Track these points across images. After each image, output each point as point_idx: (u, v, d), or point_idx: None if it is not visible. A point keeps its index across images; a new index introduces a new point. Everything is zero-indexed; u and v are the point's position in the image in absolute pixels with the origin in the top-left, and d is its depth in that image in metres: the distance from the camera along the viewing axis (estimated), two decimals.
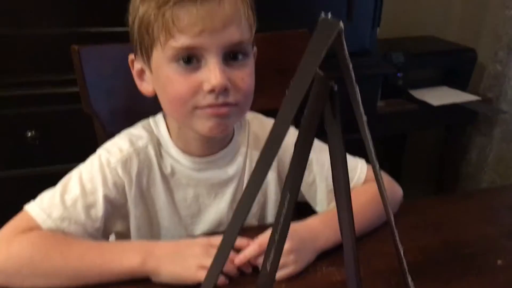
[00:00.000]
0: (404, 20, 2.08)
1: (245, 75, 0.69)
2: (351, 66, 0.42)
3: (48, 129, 1.24)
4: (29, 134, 1.23)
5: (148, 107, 0.81)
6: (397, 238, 0.53)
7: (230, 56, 0.67)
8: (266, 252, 0.51)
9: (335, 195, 0.53)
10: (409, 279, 0.56)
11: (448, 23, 2.21)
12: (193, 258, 0.65)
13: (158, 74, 0.69)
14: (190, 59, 0.66)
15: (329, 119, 0.45)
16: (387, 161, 2.31)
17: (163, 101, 0.72)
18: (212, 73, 0.65)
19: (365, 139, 0.48)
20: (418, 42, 2.04)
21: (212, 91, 0.65)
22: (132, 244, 0.70)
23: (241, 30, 0.66)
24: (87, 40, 1.18)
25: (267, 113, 0.92)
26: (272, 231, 0.50)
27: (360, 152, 0.86)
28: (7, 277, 0.63)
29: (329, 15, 0.41)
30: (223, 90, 0.66)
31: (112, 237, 0.82)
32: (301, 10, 1.36)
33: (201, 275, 0.60)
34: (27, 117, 1.22)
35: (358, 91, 0.44)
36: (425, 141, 2.31)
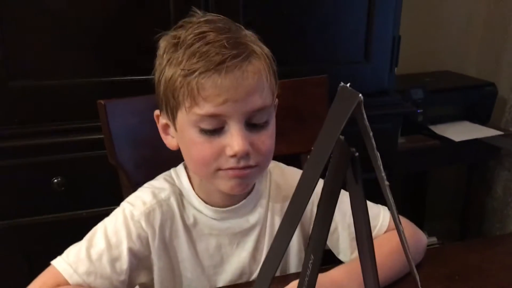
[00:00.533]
0: (422, 55, 2.10)
1: (266, 138, 0.71)
2: (371, 134, 0.43)
3: (73, 176, 1.26)
4: (55, 181, 1.26)
5: (172, 156, 0.83)
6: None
7: (253, 120, 0.69)
8: None
9: (358, 253, 0.54)
10: None
11: (466, 57, 2.21)
12: None
13: (183, 134, 0.71)
14: (214, 128, 0.68)
15: (351, 183, 0.46)
16: (410, 199, 2.29)
17: (187, 159, 0.75)
18: (234, 140, 0.67)
19: (387, 199, 0.48)
20: (436, 77, 2.04)
21: (234, 156, 0.68)
22: None
23: (263, 98, 0.68)
24: (109, 89, 1.23)
25: (287, 157, 0.94)
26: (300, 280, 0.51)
27: (380, 191, 0.86)
28: None
29: (348, 85, 0.43)
30: (245, 155, 0.68)
31: None
32: (322, 51, 1.38)
33: None
34: (52, 165, 1.26)
35: (379, 157, 0.44)
36: (447, 177, 2.28)
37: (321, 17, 1.36)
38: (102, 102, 0.88)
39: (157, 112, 0.76)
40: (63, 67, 1.23)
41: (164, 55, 0.70)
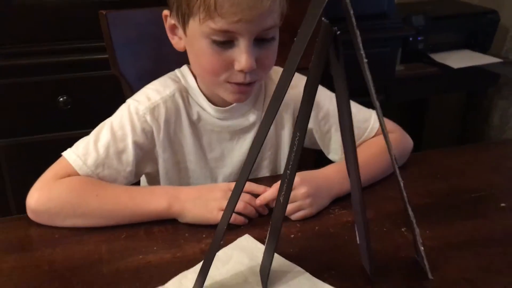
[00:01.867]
0: None
1: (270, 53, 0.75)
2: (351, 11, 0.46)
3: (79, 94, 1.31)
4: (61, 99, 1.30)
5: (173, 68, 0.87)
6: (402, 184, 0.58)
7: (261, 37, 0.72)
8: (280, 185, 0.57)
9: (342, 139, 0.59)
10: (412, 215, 0.61)
11: None
12: (213, 201, 0.71)
13: (192, 42, 0.75)
14: (225, 41, 0.71)
15: (333, 61, 0.50)
16: (410, 124, 2.34)
17: (195, 65, 0.79)
18: (243, 56, 0.71)
19: (367, 81, 0.52)
20: (439, 5, 2.03)
21: (241, 70, 0.72)
22: (159, 189, 0.76)
23: (273, 18, 0.72)
24: (113, 7, 1.25)
25: None
26: (285, 166, 0.56)
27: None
28: (50, 217, 0.71)
29: None
30: (251, 71, 0.72)
31: (143, 178, 0.90)
32: None
33: (221, 216, 0.66)
34: (57, 83, 1.30)
35: (359, 35, 0.48)
36: (447, 104, 2.31)
37: None
38: (104, 12, 0.91)
39: (165, 12, 0.78)
40: None
41: None
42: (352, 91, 0.52)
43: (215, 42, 0.71)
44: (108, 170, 0.75)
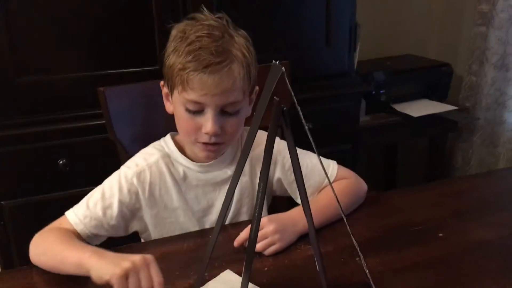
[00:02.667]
0: (385, 41, 2.31)
1: (234, 123, 0.93)
2: (292, 93, 0.63)
3: (77, 157, 1.46)
4: (61, 162, 1.45)
5: (161, 133, 1.04)
6: (346, 223, 0.73)
7: (226, 109, 0.90)
8: (251, 224, 0.72)
9: (298, 190, 0.74)
10: (361, 255, 0.75)
11: (427, 42, 2.43)
12: (122, 263, 0.71)
13: (175, 107, 0.94)
14: (196, 107, 0.89)
15: (285, 128, 0.67)
16: (383, 168, 2.53)
17: (177, 126, 0.96)
18: (208, 122, 0.89)
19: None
20: (398, 60, 2.26)
21: (207, 133, 0.90)
22: (92, 248, 0.81)
23: (235, 95, 0.89)
24: (104, 80, 1.42)
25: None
26: (254, 208, 0.71)
27: (346, 161, 1.06)
28: (34, 259, 0.85)
29: (277, 62, 0.63)
30: (215, 135, 0.90)
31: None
32: (287, 40, 1.59)
33: (119, 270, 0.70)
34: (58, 148, 1.45)
35: (296, 103, 0.65)
36: (414, 149, 2.51)
37: (285, 11, 1.56)
38: (102, 89, 1.08)
39: (162, 82, 0.97)
40: (63, 63, 1.42)
41: (173, 43, 0.90)
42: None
43: (188, 110, 0.90)
44: (94, 221, 0.91)
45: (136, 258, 0.72)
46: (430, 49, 2.43)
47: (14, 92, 1.40)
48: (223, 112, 0.90)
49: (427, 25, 2.41)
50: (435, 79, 2.19)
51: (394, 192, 1.11)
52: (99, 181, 1.40)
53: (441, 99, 2.19)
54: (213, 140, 0.91)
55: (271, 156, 0.68)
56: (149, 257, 0.74)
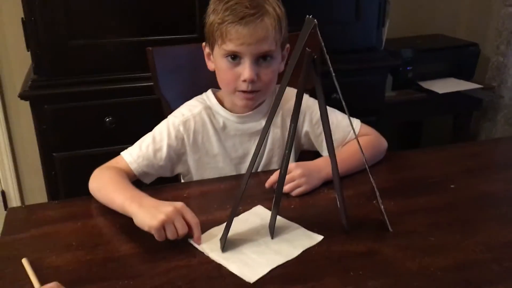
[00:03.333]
0: (415, 20, 2.37)
1: (268, 72, 1.04)
2: (322, 43, 0.74)
3: (122, 116, 1.60)
4: (107, 119, 1.59)
5: (202, 91, 1.16)
6: (369, 173, 0.84)
7: (260, 58, 1.01)
8: (280, 165, 0.83)
9: (326, 142, 0.84)
10: (377, 193, 0.86)
11: (456, 22, 2.48)
12: (161, 214, 0.80)
13: (216, 62, 1.06)
14: (234, 57, 1.01)
15: (314, 77, 0.77)
16: (407, 143, 2.60)
17: (218, 79, 1.08)
18: (246, 70, 1.00)
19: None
20: (427, 39, 2.31)
21: (244, 81, 1.01)
22: (133, 193, 0.90)
23: (268, 44, 1.00)
24: (149, 45, 1.54)
25: None
26: (284, 149, 0.82)
27: None
28: (93, 193, 0.97)
29: (311, 17, 0.73)
30: (252, 81, 1.01)
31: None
32: (318, 13, 1.66)
33: (159, 226, 0.79)
34: (105, 107, 1.59)
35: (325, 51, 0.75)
36: (439, 127, 2.57)
37: None
38: (150, 48, 1.20)
39: (203, 43, 1.09)
40: (112, 29, 1.55)
41: (212, 5, 1.02)
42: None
43: (228, 61, 1.02)
44: (146, 161, 1.04)
45: (169, 209, 0.81)
46: (460, 29, 2.47)
47: (67, 54, 1.54)
48: (258, 62, 1.01)
49: (457, 6, 2.45)
50: (462, 58, 2.24)
51: (413, 150, 1.21)
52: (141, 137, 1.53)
53: (468, 78, 2.24)
54: (250, 87, 1.02)
55: (302, 97, 0.79)
56: (180, 205, 0.82)
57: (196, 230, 0.83)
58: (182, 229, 0.81)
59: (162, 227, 0.80)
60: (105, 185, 0.96)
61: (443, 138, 2.52)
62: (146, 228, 0.82)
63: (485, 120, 2.35)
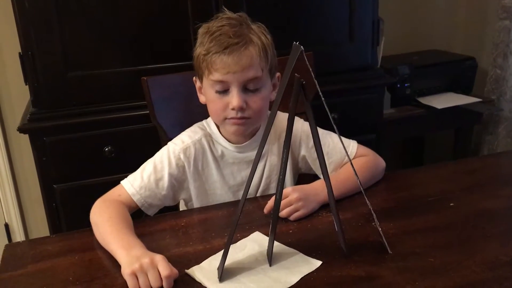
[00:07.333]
0: (410, 37, 2.39)
1: (257, 99, 1.04)
2: (310, 68, 0.74)
3: (120, 145, 1.60)
4: (106, 149, 1.60)
5: (198, 119, 1.16)
6: (365, 196, 0.83)
7: (249, 86, 1.02)
8: (275, 191, 0.83)
9: (320, 167, 0.83)
10: (374, 215, 0.86)
11: (452, 37, 2.49)
12: (135, 263, 0.80)
13: (205, 93, 1.07)
14: (223, 91, 1.02)
15: (305, 102, 0.77)
16: (409, 160, 2.59)
17: (209, 111, 1.09)
18: (234, 98, 1.01)
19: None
20: (423, 55, 2.32)
21: (233, 109, 1.01)
22: (129, 241, 0.87)
23: (254, 71, 1.01)
24: (146, 74, 1.55)
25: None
26: (279, 174, 0.82)
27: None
28: (91, 222, 0.96)
29: (297, 43, 0.74)
30: (240, 109, 1.01)
31: (182, 202, 1.16)
32: (312, 35, 1.69)
33: (128, 271, 0.78)
34: (104, 136, 1.59)
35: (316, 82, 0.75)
36: (441, 142, 2.56)
37: (309, 6, 1.67)
38: (145, 78, 1.21)
39: (194, 78, 1.11)
40: (108, 59, 1.57)
41: (199, 38, 1.04)
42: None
43: (216, 91, 1.02)
44: (148, 192, 1.04)
45: (145, 260, 0.79)
46: (455, 43, 2.48)
47: (65, 86, 1.55)
48: (246, 90, 1.02)
49: (452, 21, 2.47)
50: (459, 73, 2.24)
51: (411, 170, 1.20)
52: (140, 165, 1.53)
53: (466, 92, 2.24)
54: (239, 114, 1.02)
55: (293, 122, 0.79)
56: (157, 258, 0.80)
57: (165, 283, 0.78)
58: (154, 282, 0.78)
59: (135, 275, 0.78)
60: (104, 224, 0.93)
61: (445, 153, 2.51)
62: (123, 274, 0.80)
63: (487, 134, 2.34)
